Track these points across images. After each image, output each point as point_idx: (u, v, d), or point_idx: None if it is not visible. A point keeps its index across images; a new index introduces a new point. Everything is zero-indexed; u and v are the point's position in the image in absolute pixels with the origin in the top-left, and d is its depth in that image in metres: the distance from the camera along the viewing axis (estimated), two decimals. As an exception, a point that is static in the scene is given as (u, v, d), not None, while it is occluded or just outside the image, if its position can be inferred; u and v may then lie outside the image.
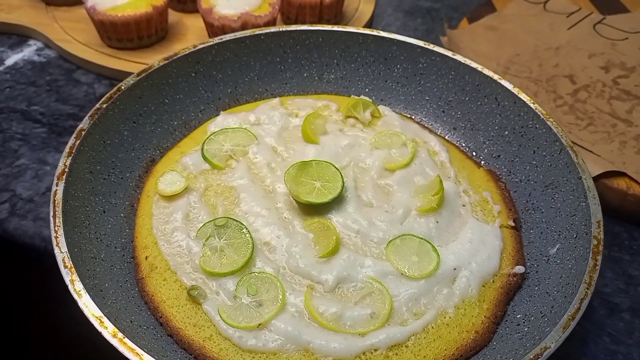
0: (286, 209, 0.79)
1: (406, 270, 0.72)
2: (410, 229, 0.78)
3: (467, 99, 0.96)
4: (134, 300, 0.70)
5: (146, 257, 0.74)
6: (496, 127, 0.92)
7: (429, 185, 0.83)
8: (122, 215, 0.80)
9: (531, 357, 0.56)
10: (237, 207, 0.79)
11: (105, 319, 0.57)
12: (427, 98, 1.00)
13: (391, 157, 0.88)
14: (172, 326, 0.68)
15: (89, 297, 0.59)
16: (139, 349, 0.55)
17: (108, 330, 0.56)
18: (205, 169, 0.85)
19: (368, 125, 0.95)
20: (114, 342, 0.55)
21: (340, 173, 0.81)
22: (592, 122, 1.00)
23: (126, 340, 0.56)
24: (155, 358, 0.54)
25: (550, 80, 1.10)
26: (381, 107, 0.98)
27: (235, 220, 0.76)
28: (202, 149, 0.86)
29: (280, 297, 0.69)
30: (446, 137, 0.98)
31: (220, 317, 0.67)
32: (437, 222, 0.79)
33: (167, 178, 0.82)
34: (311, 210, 0.78)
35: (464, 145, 0.96)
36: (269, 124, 0.92)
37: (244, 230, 0.74)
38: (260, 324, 0.66)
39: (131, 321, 0.65)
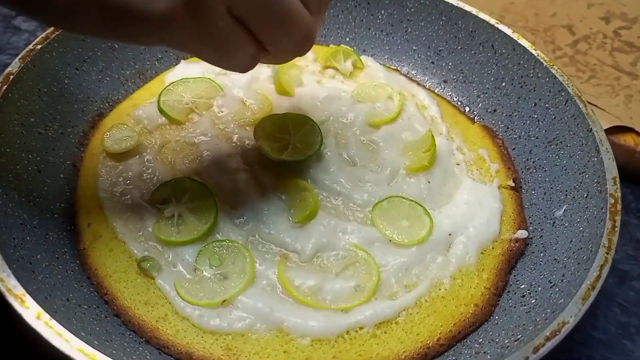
0: (256, 168, 0.68)
1: (395, 237, 0.63)
2: (398, 190, 0.68)
3: (459, 47, 0.85)
4: (74, 275, 0.59)
5: (89, 224, 0.62)
6: (492, 79, 0.83)
7: (418, 141, 0.73)
8: (61, 175, 0.68)
9: (547, 334, 0.48)
10: (199, 166, 0.68)
11: (27, 298, 0.46)
12: (414, 48, 0.89)
13: (376, 111, 0.78)
14: (119, 305, 0.57)
15: (9, 270, 0.48)
16: (68, 333, 0.44)
17: (31, 311, 0.45)
18: (162, 123, 0.73)
19: (349, 77, 0.84)
20: (38, 326, 0.44)
21: (319, 128, 0.70)
22: (595, 74, 0.92)
23: (53, 322, 0.44)
24: (87, 343, 0.43)
25: (548, 30, 1.00)
26: (363, 58, 0.87)
27: (196, 181, 0.65)
28: (159, 101, 0.74)
29: (249, 268, 0.58)
30: (436, 91, 0.87)
31: (177, 293, 0.56)
32: (428, 182, 0.70)
33: (115, 133, 0.70)
34: (285, 169, 0.68)
35: (455, 99, 0.87)
36: (236, 74, 0.80)
37: (207, 192, 0.63)
38: (224, 300, 0.56)
39: (68, 299, 0.54)
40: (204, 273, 0.58)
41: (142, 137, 0.71)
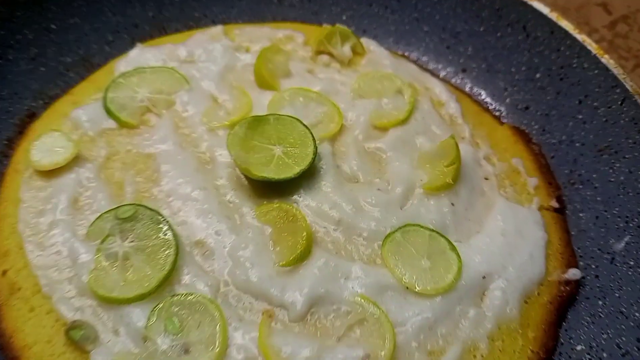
0: (231, 188, 0.56)
1: (414, 283, 0.48)
2: (415, 216, 0.55)
3: (482, 29, 0.73)
4: (-21, 346, 0.43)
5: (4, 272, 0.48)
6: (523, 68, 0.70)
7: (437, 149, 0.60)
8: (-28, 201, 0.52)
9: None
10: (155, 186, 0.56)
11: None
12: (426, 29, 0.76)
13: (382, 109, 0.65)
14: (38, 391, 0.42)
15: None
16: None
17: None
18: (108, 128, 0.60)
19: (347, 65, 0.71)
20: None
21: (311, 133, 0.55)
22: (640, 62, 0.78)
23: None
24: None
25: (581, 9, 0.87)
26: (364, 41, 0.73)
27: (149, 209, 0.51)
28: (105, 97, 0.61)
29: (219, 334, 0.45)
30: (453, 82, 0.75)
31: (120, 375, 0.42)
32: (452, 204, 0.56)
33: (45, 142, 0.56)
34: (268, 190, 0.55)
35: (476, 92, 0.73)
36: (206, 62, 0.68)
37: (164, 224, 0.49)
38: (185, 385, 0.41)
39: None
40: (157, 344, 0.43)
41: (81, 147, 0.56)
